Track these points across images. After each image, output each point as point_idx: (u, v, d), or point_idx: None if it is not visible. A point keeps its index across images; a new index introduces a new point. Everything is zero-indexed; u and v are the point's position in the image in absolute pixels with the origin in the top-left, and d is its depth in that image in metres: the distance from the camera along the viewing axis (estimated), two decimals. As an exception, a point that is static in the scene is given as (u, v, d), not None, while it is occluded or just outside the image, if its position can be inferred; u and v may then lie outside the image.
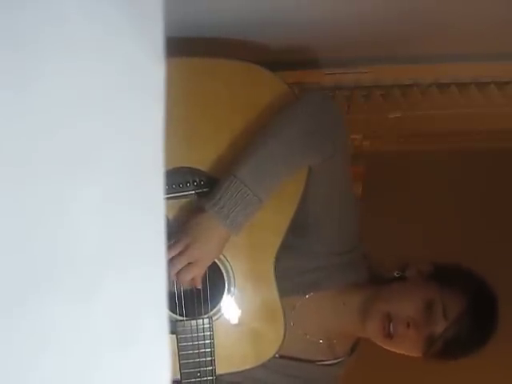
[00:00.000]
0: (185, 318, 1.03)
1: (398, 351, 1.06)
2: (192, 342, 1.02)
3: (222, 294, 1.05)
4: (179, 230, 0.98)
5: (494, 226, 1.83)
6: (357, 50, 1.31)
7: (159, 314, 0.41)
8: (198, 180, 1.04)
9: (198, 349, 1.02)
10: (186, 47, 1.10)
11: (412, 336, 1.01)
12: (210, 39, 1.18)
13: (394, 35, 1.20)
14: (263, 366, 1.07)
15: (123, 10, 0.38)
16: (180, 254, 0.95)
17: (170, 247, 0.95)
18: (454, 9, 1.08)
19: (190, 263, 0.96)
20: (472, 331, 1.03)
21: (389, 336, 1.02)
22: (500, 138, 1.73)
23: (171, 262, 0.95)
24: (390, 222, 1.75)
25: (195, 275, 0.98)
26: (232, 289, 1.05)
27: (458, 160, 1.80)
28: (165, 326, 0.41)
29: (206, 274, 1.01)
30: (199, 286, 1.00)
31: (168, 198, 1.03)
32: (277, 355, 1.08)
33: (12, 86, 0.35)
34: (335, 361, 1.15)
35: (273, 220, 1.04)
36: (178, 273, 0.96)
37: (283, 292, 1.06)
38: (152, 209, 0.41)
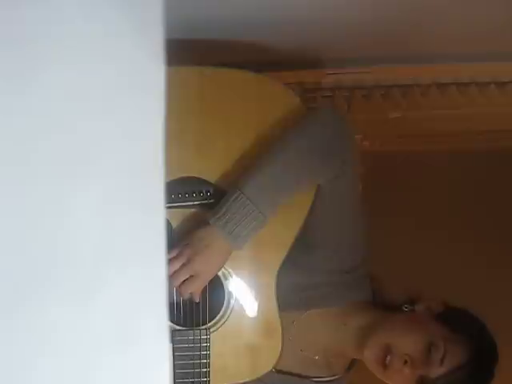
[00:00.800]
0: (182, 328, 1.02)
1: (387, 382, 1.04)
2: (188, 352, 1.01)
3: (222, 305, 1.04)
4: (182, 242, 0.97)
5: (494, 226, 1.83)
6: (357, 50, 1.31)
7: (159, 314, 0.41)
8: (204, 191, 1.03)
9: (194, 359, 1.01)
10: (186, 49, 1.10)
11: (406, 373, 0.99)
12: (211, 40, 1.18)
13: (394, 35, 1.20)
14: (259, 380, 1.07)
15: (123, 11, 0.38)
16: (182, 266, 0.95)
17: (172, 259, 0.95)
18: (453, 9, 1.08)
19: (191, 276, 0.96)
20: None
21: (383, 366, 1.01)
22: (500, 138, 1.73)
23: (173, 274, 0.95)
24: (389, 222, 1.75)
25: (196, 288, 0.97)
26: (231, 301, 1.04)
27: (458, 160, 1.79)
28: (165, 326, 0.41)
29: (205, 285, 1.00)
30: (197, 301, 1.00)
31: (173, 207, 1.02)
32: (273, 370, 1.07)
33: (12, 86, 0.35)
34: (332, 378, 1.13)
35: (278, 235, 1.03)
36: (180, 285, 0.96)
37: (285, 306, 1.05)
38: (152, 209, 0.41)
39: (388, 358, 1.00)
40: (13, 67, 0.35)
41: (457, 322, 1.04)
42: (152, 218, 0.41)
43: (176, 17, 1.01)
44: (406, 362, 0.99)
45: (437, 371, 0.99)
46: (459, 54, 1.34)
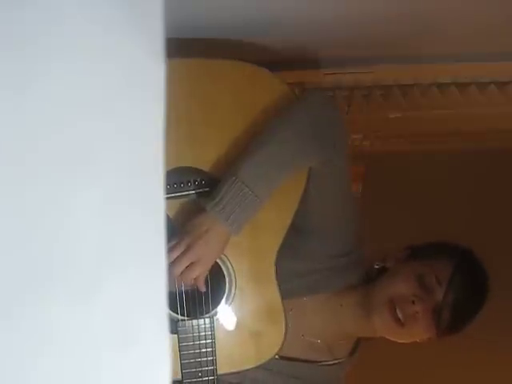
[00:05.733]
0: (186, 318, 1.03)
1: (411, 339, 1.08)
2: (193, 341, 1.02)
3: (224, 293, 1.05)
4: (180, 231, 0.98)
5: (494, 226, 1.83)
6: (357, 50, 1.31)
7: (159, 313, 0.41)
8: (198, 180, 1.05)
9: (199, 349, 1.02)
10: (186, 48, 1.10)
11: (420, 313, 1.03)
12: (210, 39, 1.18)
13: (394, 35, 1.20)
14: (263, 367, 1.07)
15: (123, 10, 0.38)
16: (182, 254, 0.96)
17: (171, 248, 0.96)
18: (454, 9, 1.08)
19: (192, 263, 0.96)
20: (470, 286, 1.06)
21: (399, 322, 1.04)
22: (500, 138, 1.73)
23: (174, 262, 0.95)
24: (389, 222, 1.75)
25: (198, 275, 0.98)
26: (233, 289, 1.05)
27: (458, 160, 1.80)
28: (165, 326, 0.41)
29: (207, 274, 1.01)
30: (202, 289, 1.00)
31: (168, 198, 1.03)
32: (276, 356, 1.08)
33: (12, 86, 0.35)
34: (335, 361, 1.15)
35: (273, 221, 1.05)
36: (182, 273, 0.97)
37: (285, 294, 1.06)
38: (152, 209, 0.41)
39: (398, 310, 1.04)
40: (12, 67, 0.35)
41: (425, 251, 1.12)
42: (152, 218, 0.41)
43: (176, 16, 1.01)
44: (413, 301, 1.03)
45: (440, 292, 1.04)
46: (459, 53, 1.34)
